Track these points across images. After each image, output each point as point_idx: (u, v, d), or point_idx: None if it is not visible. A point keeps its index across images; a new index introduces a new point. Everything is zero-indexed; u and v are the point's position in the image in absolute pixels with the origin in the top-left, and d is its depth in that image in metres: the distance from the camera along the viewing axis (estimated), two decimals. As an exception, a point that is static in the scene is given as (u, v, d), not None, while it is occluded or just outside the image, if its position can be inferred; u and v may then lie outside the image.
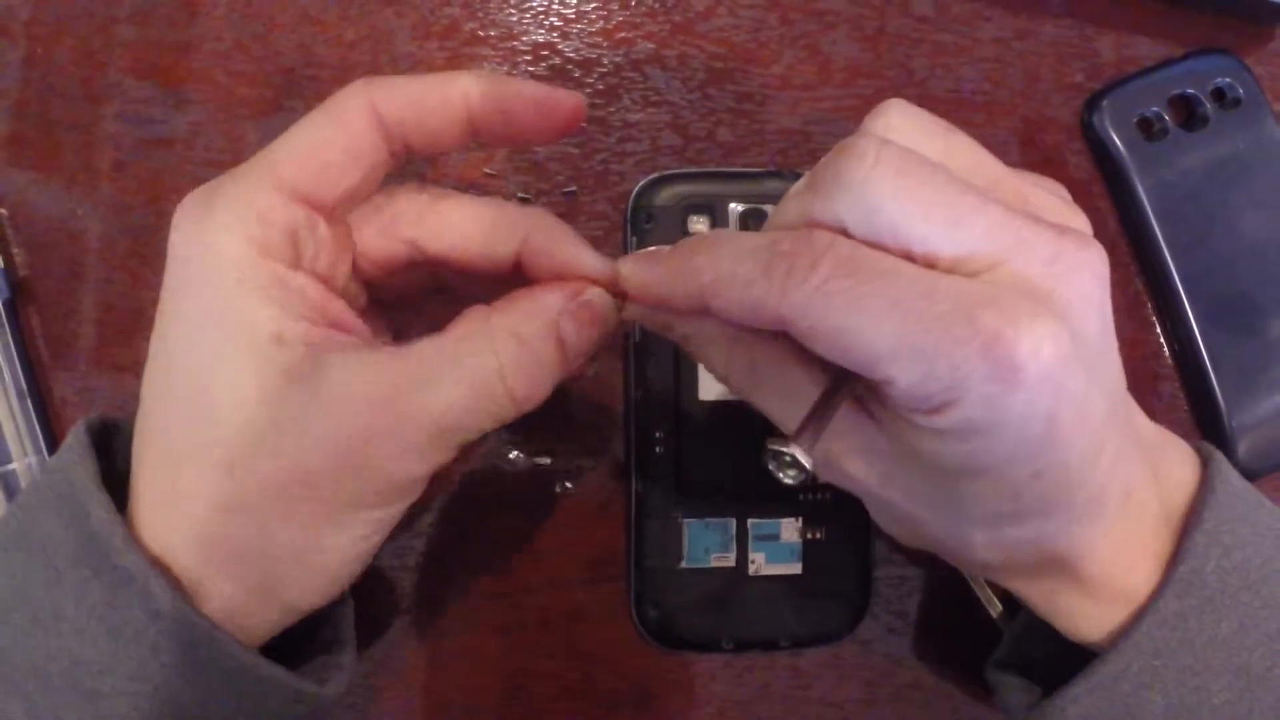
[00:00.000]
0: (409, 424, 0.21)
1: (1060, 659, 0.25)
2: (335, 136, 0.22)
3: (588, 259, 0.23)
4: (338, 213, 0.23)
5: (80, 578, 0.21)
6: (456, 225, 0.23)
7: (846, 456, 0.22)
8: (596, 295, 0.23)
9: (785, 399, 0.23)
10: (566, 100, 0.23)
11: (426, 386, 0.21)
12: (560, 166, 0.32)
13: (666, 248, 0.23)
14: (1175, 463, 0.25)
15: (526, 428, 0.31)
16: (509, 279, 0.24)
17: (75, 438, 0.23)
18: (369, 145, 0.22)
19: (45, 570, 0.21)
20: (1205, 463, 0.24)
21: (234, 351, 0.21)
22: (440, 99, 0.22)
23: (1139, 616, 0.22)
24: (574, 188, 0.31)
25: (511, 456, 0.31)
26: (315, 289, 0.22)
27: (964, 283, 0.19)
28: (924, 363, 0.18)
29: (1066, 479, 0.21)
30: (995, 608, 0.30)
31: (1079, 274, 0.20)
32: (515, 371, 0.22)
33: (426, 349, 0.21)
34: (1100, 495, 0.22)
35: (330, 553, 0.22)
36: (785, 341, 0.21)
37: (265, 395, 0.20)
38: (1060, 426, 0.20)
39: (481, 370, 0.21)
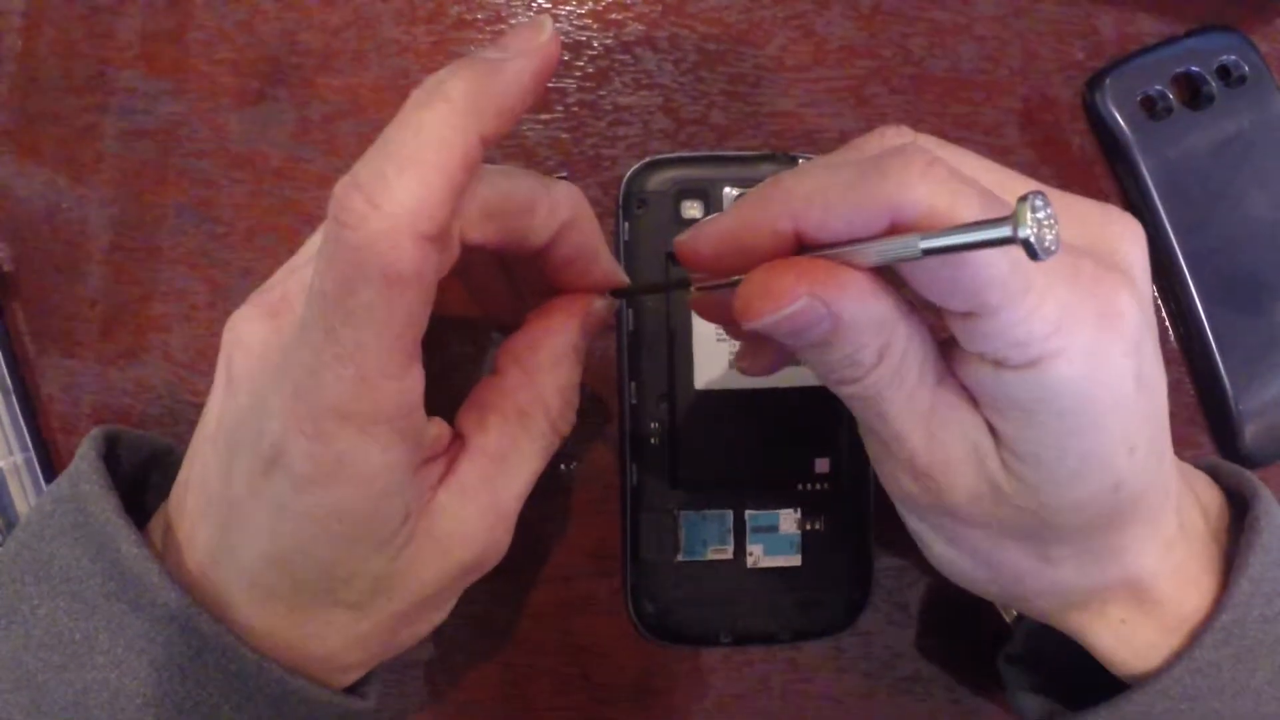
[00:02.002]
0: (508, 519, 0.23)
1: (1075, 657, 0.24)
2: (415, 302, 0.18)
3: (607, 263, 0.24)
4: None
5: (115, 612, 0.21)
6: (497, 208, 0.21)
7: (954, 461, 0.20)
8: (599, 308, 0.24)
9: (920, 391, 0.20)
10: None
11: (512, 479, 0.23)
12: (550, 151, 0.31)
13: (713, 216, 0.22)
14: (1199, 482, 0.24)
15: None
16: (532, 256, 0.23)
17: (87, 463, 0.22)
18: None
19: (73, 602, 0.21)
20: (1249, 496, 0.23)
21: (364, 547, 0.20)
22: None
23: (1173, 660, 0.22)
24: (565, 173, 0.31)
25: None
26: (435, 429, 0.22)
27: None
28: (1034, 298, 0.17)
29: (1154, 468, 0.20)
30: (1009, 612, 0.30)
31: (1130, 240, 0.20)
32: (562, 417, 0.24)
33: (500, 442, 0.23)
34: (1165, 505, 0.21)
35: (434, 624, 0.24)
36: (929, 334, 0.20)
37: (388, 564, 0.21)
38: (1145, 391, 0.19)
39: (543, 437, 0.23)
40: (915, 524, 0.23)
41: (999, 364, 0.18)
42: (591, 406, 0.31)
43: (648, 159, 0.30)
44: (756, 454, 0.30)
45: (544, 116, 0.31)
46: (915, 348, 0.19)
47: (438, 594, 0.22)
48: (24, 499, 0.30)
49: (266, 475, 0.20)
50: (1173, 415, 0.25)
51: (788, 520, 0.30)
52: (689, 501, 0.29)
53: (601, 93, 0.31)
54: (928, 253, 0.16)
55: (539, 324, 0.24)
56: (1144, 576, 0.22)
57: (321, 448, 0.19)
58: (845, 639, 0.31)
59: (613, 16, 0.31)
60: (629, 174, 0.30)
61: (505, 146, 0.31)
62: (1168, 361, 0.32)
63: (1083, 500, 0.20)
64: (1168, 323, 0.33)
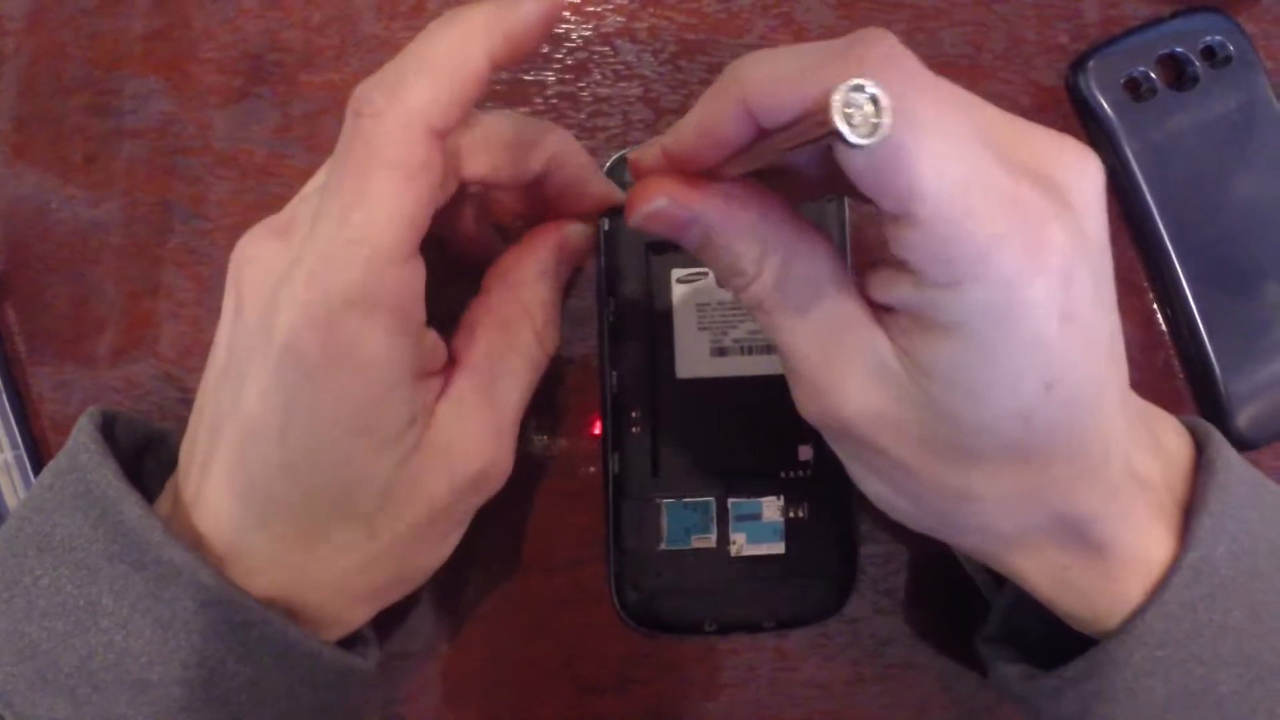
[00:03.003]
0: (506, 432, 0.24)
1: (1053, 630, 0.24)
2: (420, 191, 0.20)
3: (599, 183, 0.26)
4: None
5: (117, 573, 0.21)
6: (494, 143, 0.23)
7: (850, 378, 0.20)
8: (574, 231, 0.26)
9: (814, 305, 0.21)
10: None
11: (506, 391, 0.24)
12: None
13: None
14: (1167, 432, 0.24)
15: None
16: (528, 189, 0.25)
17: (86, 436, 0.22)
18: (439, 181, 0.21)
19: (76, 570, 0.21)
20: (1200, 441, 0.23)
21: (370, 442, 0.21)
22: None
23: (1145, 605, 0.21)
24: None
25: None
26: (432, 338, 0.22)
27: (1008, 154, 0.18)
28: (965, 217, 0.17)
29: (1076, 408, 0.19)
30: (979, 571, 0.29)
31: (1083, 175, 0.20)
32: (546, 330, 0.25)
33: (490, 353, 0.24)
34: (1107, 448, 0.21)
35: (442, 556, 0.24)
36: (829, 253, 0.21)
37: (396, 469, 0.22)
38: (1073, 330, 0.19)
39: (529, 349, 0.24)
40: (840, 454, 0.23)
41: (920, 277, 0.18)
42: (571, 398, 0.31)
43: (628, 150, 0.30)
44: (739, 442, 0.30)
45: (524, 109, 0.31)
46: (802, 263, 0.20)
47: (446, 511, 0.23)
48: (14, 496, 0.31)
49: (278, 375, 0.20)
50: (1162, 399, 0.25)
51: (771, 508, 0.30)
52: (671, 490, 0.29)
53: (581, 84, 0.31)
54: (789, 145, 0.17)
55: (521, 246, 0.26)
56: (1079, 520, 0.21)
57: (330, 334, 0.20)
58: (832, 626, 0.31)
59: (591, 9, 0.31)
60: (608, 165, 0.30)
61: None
62: (1156, 346, 0.32)
63: (986, 424, 0.19)
64: (1155, 305, 0.32)
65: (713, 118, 0.19)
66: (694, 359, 0.30)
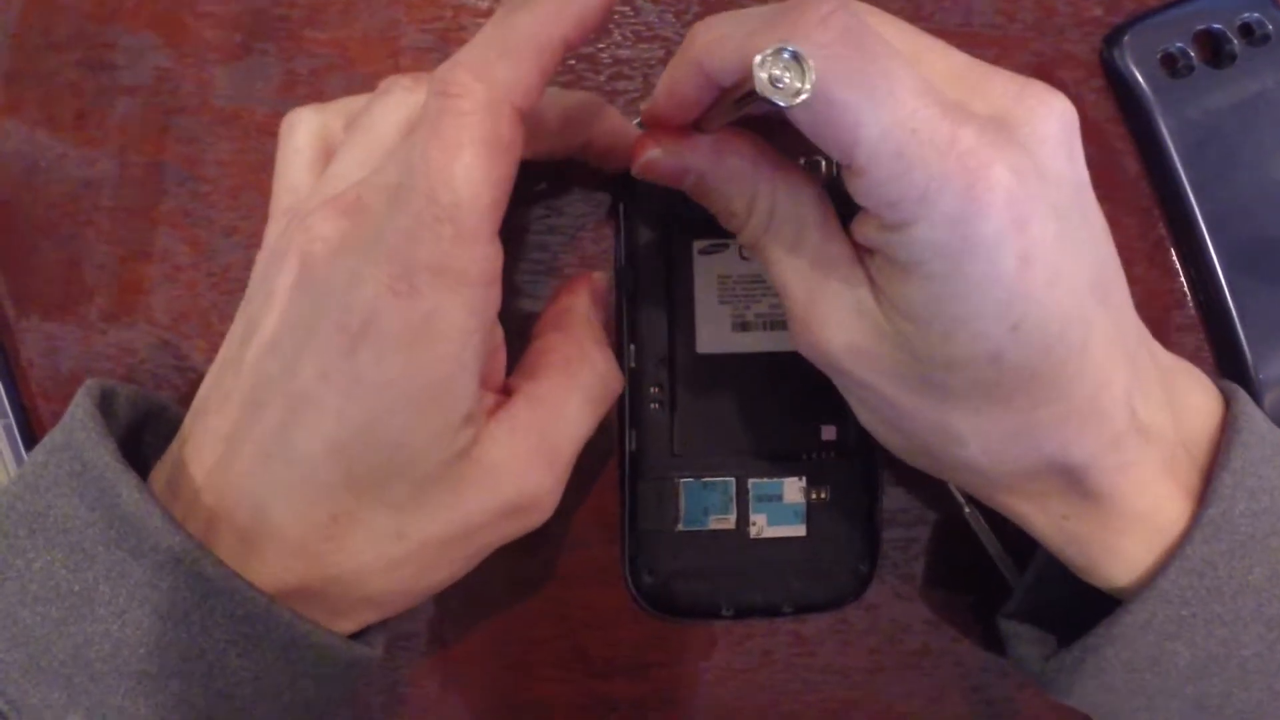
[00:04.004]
0: (557, 467, 0.23)
1: (1075, 611, 0.23)
2: (506, 166, 0.20)
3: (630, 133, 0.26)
4: None
5: (115, 560, 0.20)
6: (551, 124, 0.24)
7: (832, 315, 0.22)
8: (600, 278, 0.28)
9: (800, 244, 0.22)
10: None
11: (562, 427, 0.23)
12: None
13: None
14: (1193, 390, 0.23)
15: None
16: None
17: (83, 412, 0.21)
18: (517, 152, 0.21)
19: (70, 554, 0.20)
20: (1228, 399, 0.23)
21: (429, 427, 0.21)
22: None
23: (1165, 562, 0.21)
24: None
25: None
26: (499, 337, 0.23)
27: (949, 98, 0.19)
28: (901, 163, 0.18)
29: (1050, 350, 0.20)
30: (1001, 555, 0.29)
31: (1043, 114, 0.20)
32: (609, 372, 0.25)
33: (551, 389, 0.24)
34: (1099, 395, 0.21)
35: (451, 579, 0.23)
36: (815, 197, 0.22)
37: (442, 468, 0.21)
38: (1033, 271, 0.19)
39: (591, 389, 0.24)
40: (839, 389, 0.24)
41: (878, 219, 0.20)
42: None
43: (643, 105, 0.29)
44: (760, 420, 0.29)
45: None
46: (787, 205, 0.22)
47: (478, 532, 0.22)
48: (2, 464, 0.29)
49: (350, 352, 0.20)
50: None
51: (792, 489, 0.29)
52: (690, 469, 0.28)
53: (601, 46, 0.30)
54: (739, 103, 0.19)
55: (565, 293, 0.27)
56: (1075, 468, 0.21)
57: (412, 304, 0.20)
58: (851, 612, 0.30)
59: (612, -33, 0.30)
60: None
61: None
62: (1187, 329, 0.31)
63: (957, 362, 0.20)
64: (1186, 288, 0.31)
65: (675, 79, 0.21)
66: (715, 334, 0.29)
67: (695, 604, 0.29)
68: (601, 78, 0.30)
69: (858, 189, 0.19)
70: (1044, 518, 0.23)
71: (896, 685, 0.30)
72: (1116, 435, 0.21)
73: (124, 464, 0.21)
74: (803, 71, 0.17)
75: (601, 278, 0.28)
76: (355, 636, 0.23)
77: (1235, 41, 0.31)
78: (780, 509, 0.29)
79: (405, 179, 0.20)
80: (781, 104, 0.17)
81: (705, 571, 0.29)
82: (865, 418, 0.24)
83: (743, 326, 0.29)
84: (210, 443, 0.22)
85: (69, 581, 0.20)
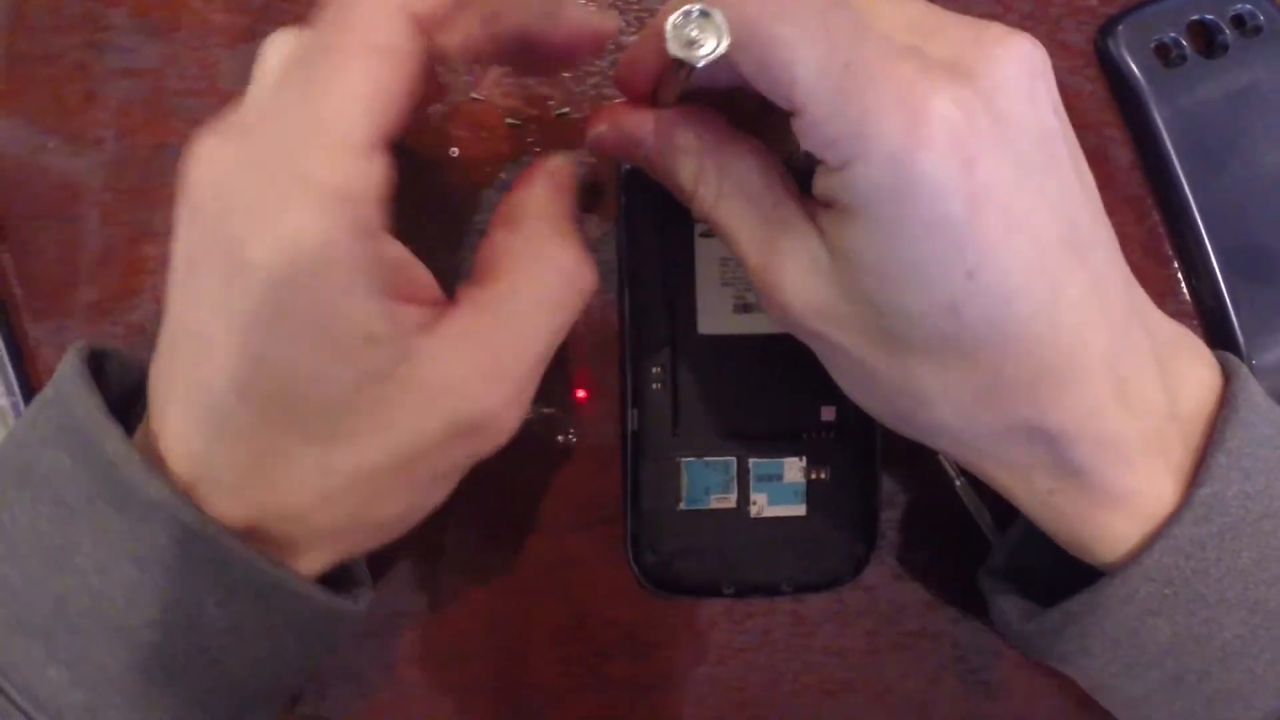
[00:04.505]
0: (510, 379, 0.21)
1: (1057, 573, 0.23)
2: (390, 77, 0.19)
3: (595, 23, 0.23)
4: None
5: (97, 514, 0.20)
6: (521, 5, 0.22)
7: (788, 276, 0.21)
8: (558, 163, 0.24)
9: (749, 212, 0.22)
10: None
11: (514, 333, 0.21)
12: (552, 91, 0.30)
13: None
14: (1193, 364, 0.23)
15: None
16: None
17: (70, 367, 0.21)
18: (417, 71, 0.20)
19: (54, 507, 0.20)
20: (1228, 375, 0.23)
21: (323, 351, 0.19)
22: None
23: (1153, 539, 0.21)
24: (567, 108, 0.30)
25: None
26: (398, 251, 0.20)
27: (892, 38, 0.19)
28: (840, 100, 0.18)
29: (1012, 301, 0.19)
30: (992, 528, 0.29)
31: (1001, 57, 0.19)
32: (578, 270, 0.23)
33: (503, 293, 0.21)
34: (1075, 357, 0.20)
35: (417, 509, 0.22)
36: (761, 164, 0.22)
37: (356, 394, 0.20)
38: (985, 214, 0.18)
39: (549, 288, 0.22)
40: (816, 352, 0.23)
41: (822, 164, 0.20)
42: (590, 349, 0.30)
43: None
44: (761, 400, 0.29)
45: None
46: (736, 173, 0.22)
47: (423, 458, 0.21)
48: (8, 444, 0.30)
49: (230, 282, 0.19)
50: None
51: (793, 469, 0.29)
52: (691, 448, 0.29)
53: (604, 32, 0.30)
54: (677, 72, 0.19)
55: (519, 186, 0.24)
56: (1053, 437, 0.21)
57: (282, 230, 0.18)
58: (848, 593, 0.30)
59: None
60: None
61: (505, 85, 0.30)
62: (1181, 317, 0.31)
63: (916, 313, 0.20)
64: (1180, 275, 0.32)
65: (633, 53, 0.22)
66: (716, 315, 0.29)
67: (696, 582, 0.29)
68: (604, 63, 0.30)
69: (801, 133, 0.19)
70: (1029, 492, 0.22)
71: (894, 666, 0.30)
72: (1097, 404, 0.20)
73: (109, 417, 0.20)
74: (717, 28, 0.18)
75: (563, 163, 0.24)
76: (342, 588, 0.23)
77: (1228, 32, 0.31)
78: (780, 489, 0.29)
79: (281, 89, 0.19)
80: (695, 63, 0.18)
81: (706, 550, 0.29)
82: (840, 381, 0.23)
83: (744, 309, 0.29)
84: (159, 394, 0.21)
85: (51, 535, 0.20)
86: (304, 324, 0.19)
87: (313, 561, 0.22)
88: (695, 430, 0.29)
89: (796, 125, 0.19)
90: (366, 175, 0.19)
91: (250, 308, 0.19)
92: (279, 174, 0.18)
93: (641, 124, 0.23)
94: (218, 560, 0.20)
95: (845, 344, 0.21)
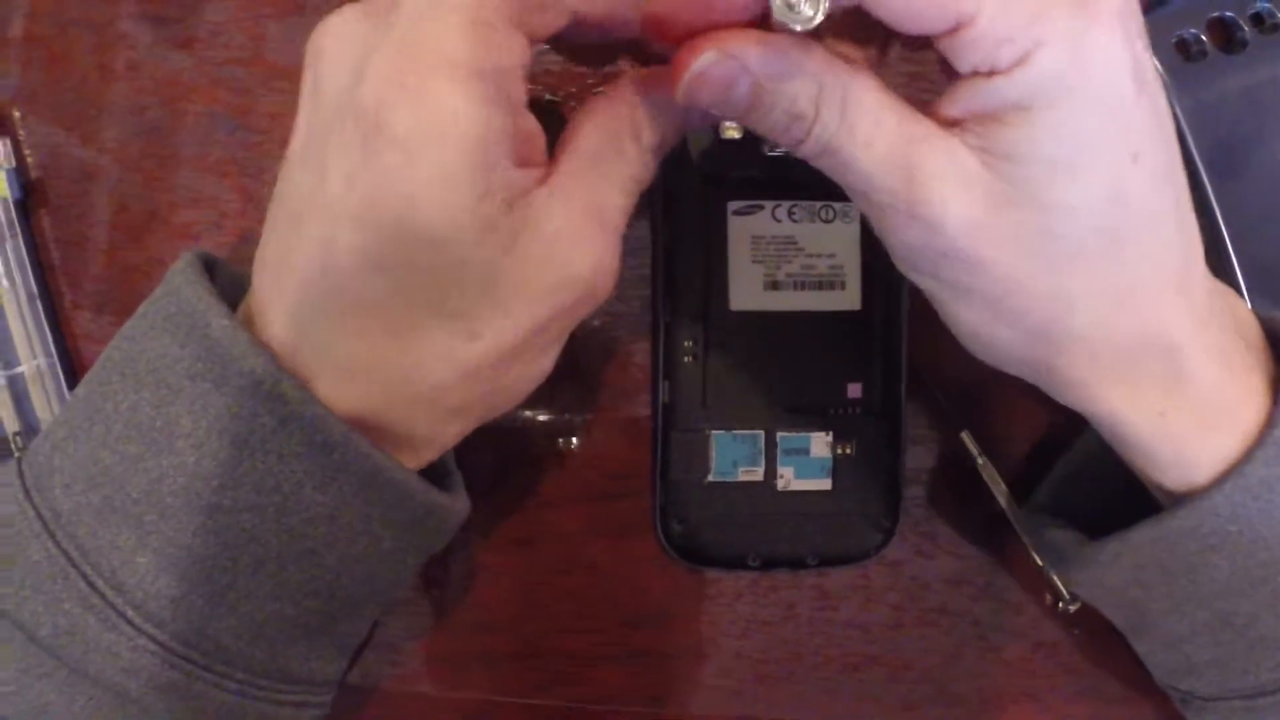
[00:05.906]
0: (611, 230, 0.22)
1: (1101, 512, 0.23)
2: None
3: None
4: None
5: (198, 391, 0.20)
6: None
7: (940, 191, 0.20)
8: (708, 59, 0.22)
9: (881, 133, 0.20)
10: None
11: (610, 185, 0.22)
12: (588, 72, 0.31)
13: None
14: (1239, 307, 0.23)
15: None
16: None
17: (184, 262, 0.22)
18: None
19: (156, 390, 0.20)
20: (1275, 331, 0.23)
21: (464, 220, 0.19)
22: None
23: (1224, 476, 0.21)
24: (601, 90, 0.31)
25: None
26: (531, 124, 0.21)
27: None
28: None
29: (1162, 189, 0.19)
30: (1012, 506, 0.29)
31: None
32: (649, 141, 0.22)
33: (592, 152, 0.22)
34: (1189, 266, 0.20)
35: (539, 375, 0.22)
36: (880, 84, 0.20)
37: (495, 261, 0.20)
38: (1146, 96, 0.19)
39: (630, 158, 0.22)
40: (936, 291, 0.22)
41: (992, 73, 0.19)
42: (623, 322, 0.30)
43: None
44: (789, 376, 0.29)
45: (583, 36, 0.31)
46: (856, 94, 0.20)
47: (549, 318, 0.21)
48: (45, 403, 0.30)
49: (364, 154, 0.19)
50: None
51: (819, 444, 0.29)
52: (721, 421, 0.29)
53: (642, 13, 0.31)
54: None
55: (643, 75, 0.23)
56: (1172, 340, 0.21)
57: (421, 101, 0.18)
58: (872, 567, 0.31)
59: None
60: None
61: (541, 65, 0.31)
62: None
63: (1080, 203, 0.19)
64: (1198, 264, 0.33)
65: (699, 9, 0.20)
66: (747, 291, 0.29)
67: (723, 554, 0.29)
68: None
69: (969, 40, 0.18)
70: (1142, 411, 0.21)
71: (915, 642, 0.31)
72: (1204, 316, 0.21)
73: (216, 298, 0.20)
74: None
75: (710, 57, 0.21)
76: (437, 482, 0.23)
77: (1247, 29, 0.32)
78: (807, 463, 0.29)
79: None
80: (797, 28, 0.18)
81: (733, 522, 0.29)
82: (969, 316, 0.22)
83: (774, 285, 0.30)
84: (269, 269, 0.21)
85: (151, 418, 0.20)
86: (448, 200, 0.19)
87: (441, 440, 0.22)
88: (725, 404, 0.29)
89: (959, 45, 0.18)
90: (508, 49, 0.19)
91: (392, 182, 0.19)
92: (421, 50, 0.18)
93: (753, 44, 0.20)
94: (318, 442, 0.20)
95: (994, 259, 0.20)
